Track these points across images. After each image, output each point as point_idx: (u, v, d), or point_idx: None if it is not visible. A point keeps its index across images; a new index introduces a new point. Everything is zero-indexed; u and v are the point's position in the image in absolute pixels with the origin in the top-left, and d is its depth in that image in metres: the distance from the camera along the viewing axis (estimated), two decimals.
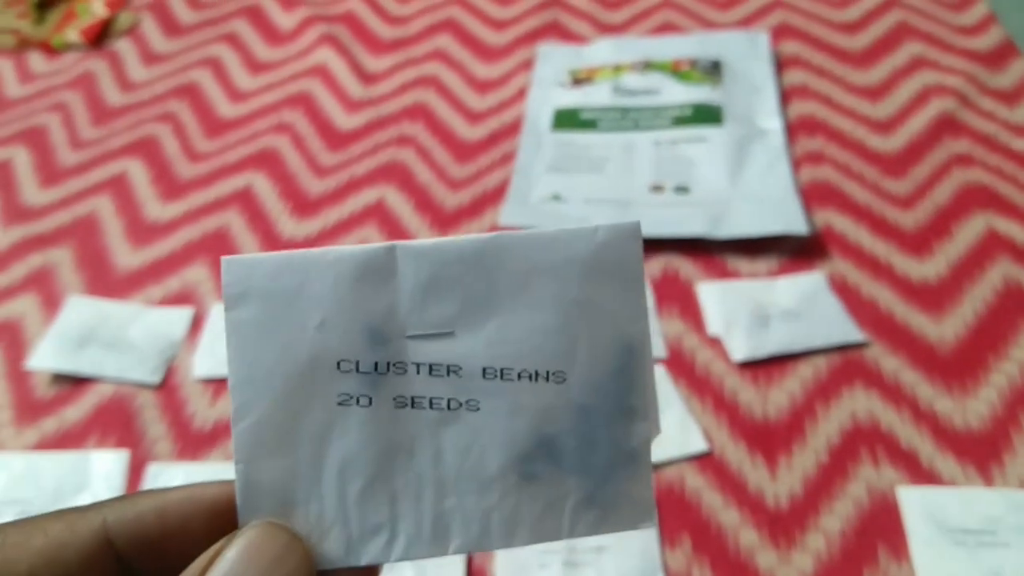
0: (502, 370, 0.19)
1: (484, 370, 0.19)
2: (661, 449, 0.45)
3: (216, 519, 0.19)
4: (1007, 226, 0.55)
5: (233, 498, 0.18)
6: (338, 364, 0.18)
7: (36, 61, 0.77)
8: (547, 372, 0.19)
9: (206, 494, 0.19)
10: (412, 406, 0.18)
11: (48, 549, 0.18)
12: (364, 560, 0.19)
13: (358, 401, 0.18)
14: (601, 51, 0.72)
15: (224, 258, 0.18)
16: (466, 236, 0.19)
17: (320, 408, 0.18)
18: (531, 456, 0.19)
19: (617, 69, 0.69)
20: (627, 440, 0.19)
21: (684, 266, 0.54)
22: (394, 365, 0.18)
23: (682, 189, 0.58)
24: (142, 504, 0.19)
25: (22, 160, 0.66)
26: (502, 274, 0.18)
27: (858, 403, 0.46)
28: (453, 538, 0.19)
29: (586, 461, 0.19)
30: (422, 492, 0.19)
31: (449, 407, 0.19)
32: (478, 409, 0.19)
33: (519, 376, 0.19)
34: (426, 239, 0.19)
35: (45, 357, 0.51)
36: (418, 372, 0.18)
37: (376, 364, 0.18)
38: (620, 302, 0.19)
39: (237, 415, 0.18)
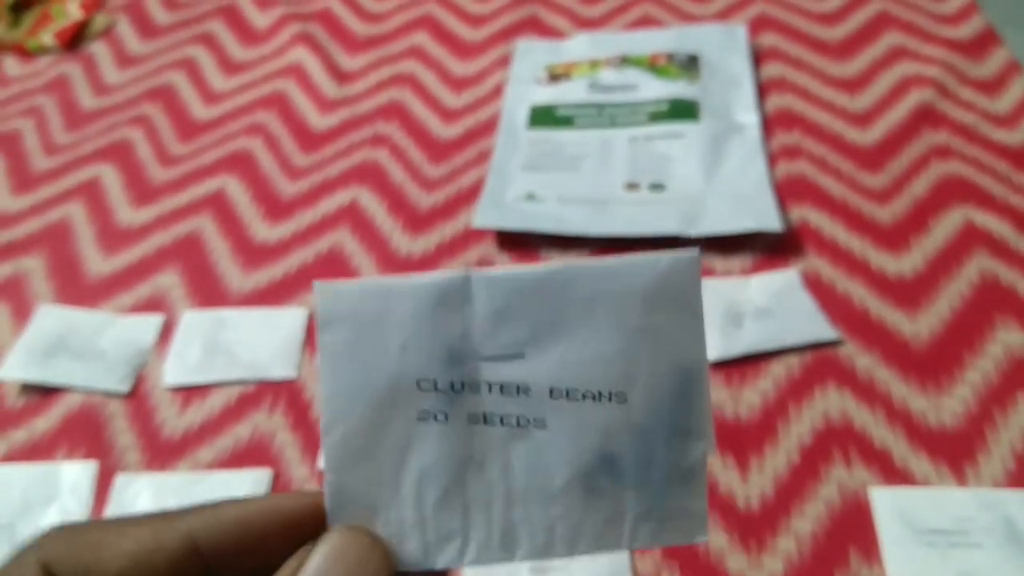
0: (568, 390, 0.20)
1: (551, 390, 0.20)
2: None
3: (294, 529, 0.20)
4: (984, 219, 0.54)
5: (310, 509, 0.20)
6: (418, 382, 0.20)
7: (10, 65, 0.76)
8: (610, 393, 0.20)
9: (286, 506, 0.20)
10: (485, 422, 0.20)
11: (138, 552, 0.19)
12: (440, 564, 0.20)
13: (435, 417, 0.20)
14: (578, 46, 0.71)
15: (317, 283, 0.20)
16: (536, 266, 0.20)
17: (401, 423, 0.20)
18: (594, 471, 0.20)
19: (594, 65, 0.68)
20: (684, 458, 0.20)
21: None
22: (468, 384, 0.20)
23: (657, 186, 0.58)
24: (226, 514, 0.20)
25: None
26: (568, 301, 0.20)
27: (831, 402, 0.46)
28: (520, 546, 0.20)
29: (645, 477, 0.20)
30: (492, 502, 0.20)
31: (519, 424, 0.20)
32: (545, 427, 0.20)
33: (583, 396, 0.20)
34: (499, 268, 0.20)
35: (15, 367, 0.50)
36: (490, 391, 0.20)
37: (452, 383, 0.20)
38: (679, 328, 0.20)
39: (327, 428, 0.20)
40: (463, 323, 0.20)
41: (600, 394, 0.20)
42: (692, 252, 0.20)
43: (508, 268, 0.20)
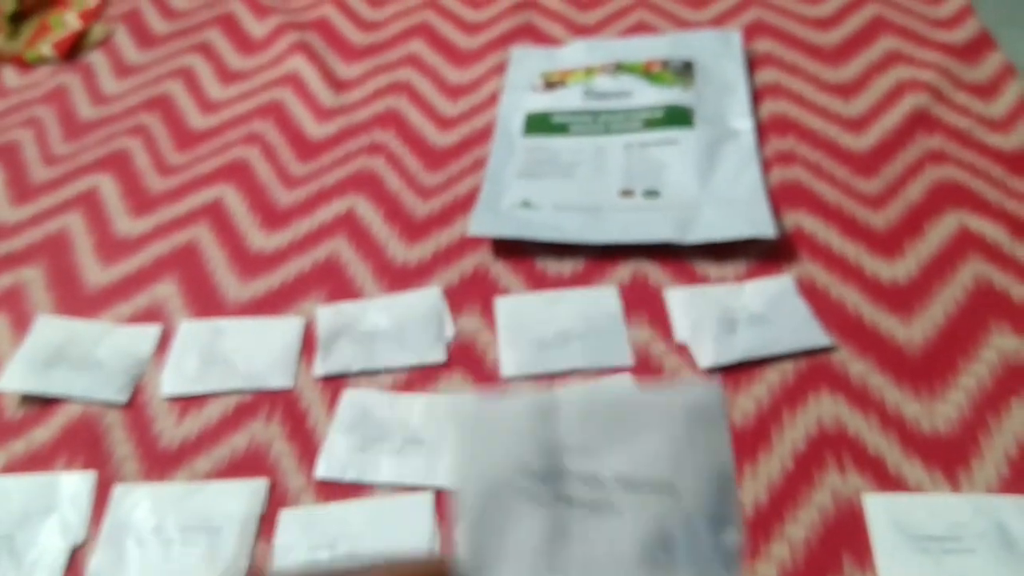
0: (631, 482, 0.25)
1: (619, 481, 0.25)
2: None
3: None
4: (979, 224, 0.55)
5: (426, 571, 0.25)
6: (520, 469, 0.25)
7: (9, 76, 0.76)
8: (664, 485, 0.25)
9: (406, 571, 0.24)
10: (569, 504, 0.25)
11: None
12: None
13: (532, 496, 0.25)
14: (574, 53, 0.71)
15: (472, 398, 0.26)
16: (607, 389, 0.26)
17: (506, 500, 0.25)
18: (653, 547, 0.24)
19: (589, 72, 0.68)
20: (723, 541, 0.25)
21: (653, 272, 0.54)
22: (557, 473, 0.25)
23: (652, 193, 0.58)
24: (391, 570, 0.24)
25: None
26: (630, 416, 0.26)
27: (824, 409, 0.46)
28: None
29: (693, 555, 0.25)
30: (575, 569, 0.24)
31: (595, 506, 0.25)
32: (615, 509, 0.25)
33: (644, 487, 0.25)
34: (579, 388, 0.26)
35: (14, 378, 0.51)
36: (573, 479, 0.25)
37: (545, 471, 0.25)
38: (711, 439, 0.26)
39: (463, 503, 0.25)
40: (553, 427, 0.26)
41: (657, 485, 0.25)
42: (716, 387, 0.26)
43: (587, 389, 0.26)
